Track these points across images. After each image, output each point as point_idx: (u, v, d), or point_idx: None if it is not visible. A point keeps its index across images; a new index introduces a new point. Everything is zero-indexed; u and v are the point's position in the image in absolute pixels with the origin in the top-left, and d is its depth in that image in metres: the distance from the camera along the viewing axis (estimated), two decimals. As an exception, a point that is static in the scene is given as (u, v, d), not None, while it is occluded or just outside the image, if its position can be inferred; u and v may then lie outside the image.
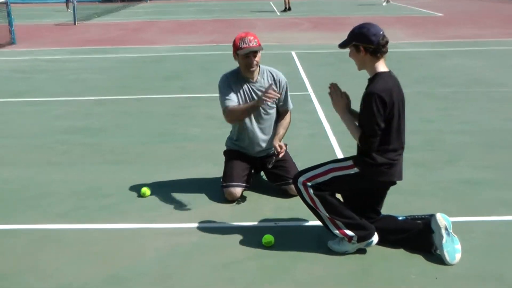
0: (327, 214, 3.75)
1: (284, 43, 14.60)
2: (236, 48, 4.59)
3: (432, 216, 3.80)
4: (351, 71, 10.92)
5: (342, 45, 3.74)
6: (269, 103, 4.68)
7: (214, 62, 12.70)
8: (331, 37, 15.45)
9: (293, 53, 13.67)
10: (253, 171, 5.03)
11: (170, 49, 14.92)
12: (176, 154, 6.16)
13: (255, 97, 4.74)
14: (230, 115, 4.68)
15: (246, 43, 4.55)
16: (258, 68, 4.76)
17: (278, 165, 4.82)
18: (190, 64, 12.64)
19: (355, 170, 3.67)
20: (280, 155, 4.65)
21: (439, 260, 3.74)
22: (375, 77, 3.64)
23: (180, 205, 4.72)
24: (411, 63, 12.27)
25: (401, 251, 3.87)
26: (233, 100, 4.69)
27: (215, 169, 5.37)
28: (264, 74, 4.80)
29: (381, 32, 3.60)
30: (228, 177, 4.81)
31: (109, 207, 4.73)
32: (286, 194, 4.83)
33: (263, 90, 4.66)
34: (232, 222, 4.38)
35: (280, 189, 4.89)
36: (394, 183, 3.80)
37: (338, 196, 3.92)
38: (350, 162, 3.70)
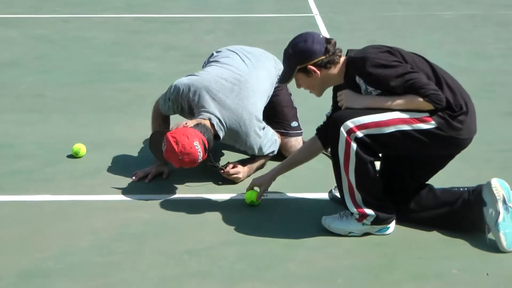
0: (353, 182, 3.82)
1: None
2: None
3: (485, 183, 3.89)
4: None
5: (286, 79, 3.93)
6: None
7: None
8: None
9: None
10: None
11: None
12: (120, 99, 6.20)
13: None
14: (152, 114, 4.87)
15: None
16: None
17: (268, 107, 4.84)
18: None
19: (432, 124, 3.72)
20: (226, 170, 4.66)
21: (492, 246, 3.83)
22: (350, 64, 3.80)
23: (126, 170, 4.79)
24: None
25: (437, 235, 3.98)
26: (168, 112, 4.79)
27: (177, 119, 5.40)
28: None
29: (321, 36, 3.86)
30: None
31: (25, 172, 4.78)
32: (280, 155, 4.91)
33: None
34: (200, 194, 4.47)
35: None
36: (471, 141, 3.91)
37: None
38: (424, 114, 3.73)
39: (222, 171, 4.59)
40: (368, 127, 3.73)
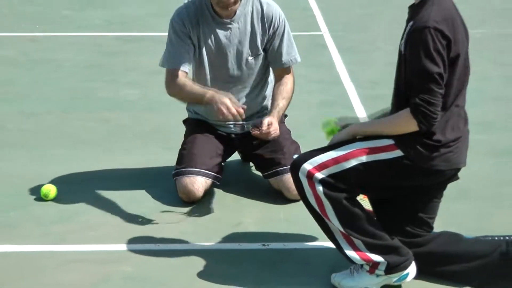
0: (341, 227, 3.84)
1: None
2: None
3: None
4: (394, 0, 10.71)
5: None
6: (250, 52, 4.93)
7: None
8: None
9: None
10: (227, 155, 5.21)
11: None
12: (98, 132, 6.21)
13: (230, 51, 4.91)
14: (171, 87, 4.87)
15: None
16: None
17: (266, 141, 4.96)
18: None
19: (398, 153, 3.77)
20: (267, 136, 4.76)
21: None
22: (426, 0, 3.76)
23: (105, 215, 4.80)
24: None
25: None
26: (185, 60, 4.86)
27: (166, 156, 5.46)
28: (247, 9, 4.91)
29: None
30: (184, 158, 4.97)
31: (-13, 217, 4.80)
32: (282, 196, 4.97)
33: (239, 39, 4.89)
34: (192, 244, 4.47)
35: (272, 186, 5.05)
36: (457, 172, 3.92)
37: (365, 203, 4.04)
38: (388, 141, 3.79)
39: (257, 131, 4.68)
40: (327, 166, 3.79)
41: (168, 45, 4.92)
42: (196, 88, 4.77)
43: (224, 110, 4.48)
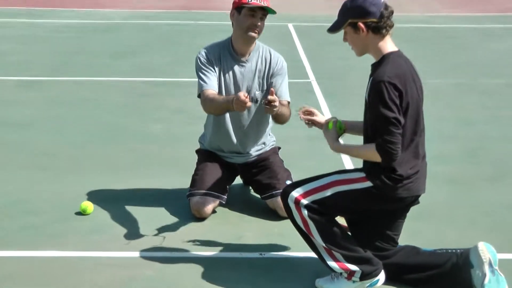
0: (323, 243, 3.85)
1: (278, 12, 14.70)
2: (240, 2, 4.77)
3: (473, 246, 3.88)
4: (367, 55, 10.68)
5: (335, 28, 3.89)
6: (258, 87, 4.95)
7: (184, 34, 12.77)
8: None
9: (291, 26, 13.79)
10: (231, 180, 5.21)
11: (124, 15, 14.94)
12: (128, 159, 6.19)
13: (243, 84, 4.93)
14: (204, 104, 4.86)
15: None
16: (254, 43, 4.96)
17: (264, 169, 5.06)
18: (151, 36, 12.68)
19: (368, 184, 3.78)
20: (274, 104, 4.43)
21: (478, 309, 3.79)
22: (382, 60, 3.81)
23: (132, 227, 4.77)
24: (448, 44, 12.44)
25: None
26: (212, 82, 4.87)
27: (183, 180, 5.42)
28: (258, 53, 4.98)
29: (382, 1, 3.81)
30: (196, 182, 4.98)
31: (34, 228, 4.76)
32: (276, 214, 4.94)
33: (251, 75, 4.90)
34: (202, 252, 4.44)
35: (268, 206, 5.02)
36: (417, 198, 3.93)
37: (342, 220, 4.01)
38: (360, 174, 3.81)
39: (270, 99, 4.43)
40: (311, 193, 3.83)
41: (197, 76, 4.89)
42: (222, 98, 4.73)
43: (241, 101, 4.32)
